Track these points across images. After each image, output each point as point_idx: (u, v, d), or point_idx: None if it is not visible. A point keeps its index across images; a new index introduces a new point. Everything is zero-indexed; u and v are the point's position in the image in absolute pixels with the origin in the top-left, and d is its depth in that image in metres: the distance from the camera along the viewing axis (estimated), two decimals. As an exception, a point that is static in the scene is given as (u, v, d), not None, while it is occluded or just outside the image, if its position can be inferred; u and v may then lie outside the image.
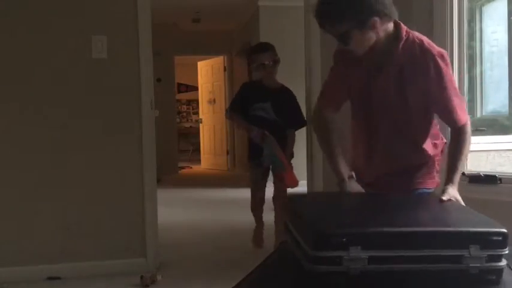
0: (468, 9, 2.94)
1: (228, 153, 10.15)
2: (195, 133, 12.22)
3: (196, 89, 11.66)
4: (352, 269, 1.29)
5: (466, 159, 2.34)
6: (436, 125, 2.02)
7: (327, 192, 3.21)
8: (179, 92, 12.97)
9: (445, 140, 2.08)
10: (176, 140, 9.86)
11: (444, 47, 2.90)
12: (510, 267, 1.59)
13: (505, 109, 3.35)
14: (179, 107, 13.98)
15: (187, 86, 13.94)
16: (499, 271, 1.35)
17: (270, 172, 3.83)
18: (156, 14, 3.91)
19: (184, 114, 14.75)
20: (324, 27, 1.82)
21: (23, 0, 3.24)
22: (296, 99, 3.81)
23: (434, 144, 2.00)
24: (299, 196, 2.42)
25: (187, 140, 12.85)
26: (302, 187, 3.76)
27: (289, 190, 3.61)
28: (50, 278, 3.21)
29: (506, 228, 1.36)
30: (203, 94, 10.68)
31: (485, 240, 1.33)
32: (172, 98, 9.71)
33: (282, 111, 3.72)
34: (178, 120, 12.52)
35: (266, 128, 3.60)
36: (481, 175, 2.77)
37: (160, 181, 5.01)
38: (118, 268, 3.28)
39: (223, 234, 4.47)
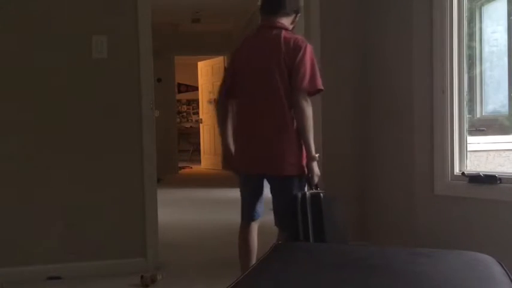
0: (468, 9, 2.95)
1: (228, 153, 10.13)
2: (195, 133, 12.22)
3: (196, 89, 11.65)
4: None
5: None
6: None
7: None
8: (179, 92, 12.97)
9: None
10: (176, 140, 9.86)
11: (444, 47, 2.92)
12: (504, 268, 1.60)
13: (505, 109, 3.35)
14: (179, 107, 13.98)
15: (187, 86, 13.94)
16: None
17: None
18: (156, 14, 3.91)
19: (185, 114, 14.75)
20: None
21: (23, 0, 3.24)
22: None
23: None
24: None
25: (187, 140, 12.84)
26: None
27: None
28: (50, 278, 3.21)
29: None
30: (203, 94, 10.68)
31: None
32: (172, 98, 9.71)
33: None
34: (178, 120, 12.51)
35: None
36: (481, 175, 2.77)
37: (160, 181, 5.01)
38: (118, 268, 3.29)
39: (222, 234, 4.46)
